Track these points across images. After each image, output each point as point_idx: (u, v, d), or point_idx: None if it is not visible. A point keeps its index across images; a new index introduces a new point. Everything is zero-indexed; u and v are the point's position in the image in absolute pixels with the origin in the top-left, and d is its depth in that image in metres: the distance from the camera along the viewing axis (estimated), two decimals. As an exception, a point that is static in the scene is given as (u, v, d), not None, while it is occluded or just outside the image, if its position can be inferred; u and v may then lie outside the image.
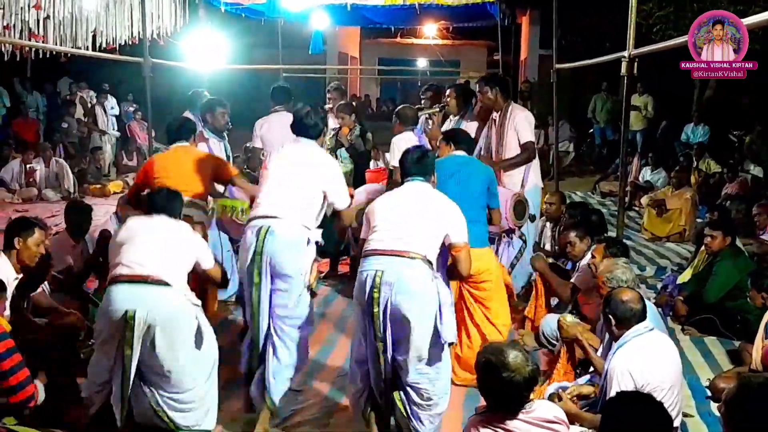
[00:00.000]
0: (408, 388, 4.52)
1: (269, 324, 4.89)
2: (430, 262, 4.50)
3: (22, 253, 5.13)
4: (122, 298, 4.40)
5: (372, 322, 4.39)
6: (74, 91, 17.08)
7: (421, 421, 4.55)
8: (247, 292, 4.89)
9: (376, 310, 4.36)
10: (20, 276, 5.13)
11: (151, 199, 5.02)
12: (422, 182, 4.78)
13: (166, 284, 4.47)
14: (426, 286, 4.42)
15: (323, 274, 8.19)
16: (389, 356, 4.44)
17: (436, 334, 4.45)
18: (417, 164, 4.81)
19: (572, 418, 4.28)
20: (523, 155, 7.22)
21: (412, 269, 4.41)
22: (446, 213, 4.67)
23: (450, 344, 4.61)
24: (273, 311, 4.88)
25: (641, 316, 4.39)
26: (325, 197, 5.09)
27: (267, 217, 4.86)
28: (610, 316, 4.39)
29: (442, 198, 4.79)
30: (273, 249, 4.77)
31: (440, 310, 4.47)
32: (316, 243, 5.00)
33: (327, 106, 8.74)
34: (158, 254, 4.58)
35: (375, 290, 4.35)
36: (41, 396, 4.54)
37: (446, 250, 4.68)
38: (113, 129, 16.88)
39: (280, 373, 4.88)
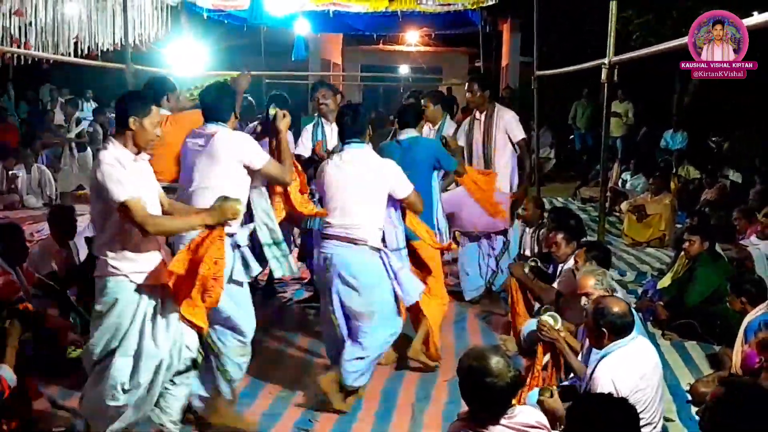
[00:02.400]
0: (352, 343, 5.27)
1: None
2: (371, 244, 5.20)
3: (137, 135, 4.25)
4: None
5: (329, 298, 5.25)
6: (56, 97, 17.01)
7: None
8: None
9: (327, 289, 5.24)
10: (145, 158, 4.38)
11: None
12: (359, 145, 5.35)
13: None
14: (370, 267, 5.20)
15: (306, 281, 8.21)
16: (343, 323, 5.27)
17: (393, 298, 5.32)
18: (352, 126, 5.37)
19: (558, 418, 4.34)
20: (524, 154, 7.54)
21: (355, 253, 5.17)
22: (385, 177, 5.31)
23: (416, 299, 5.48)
24: None
25: (632, 327, 4.41)
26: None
27: None
28: (604, 329, 4.32)
29: (378, 162, 5.38)
30: None
31: (396, 278, 5.27)
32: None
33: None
34: None
35: (326, 272, 5.20)
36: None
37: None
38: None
39: None
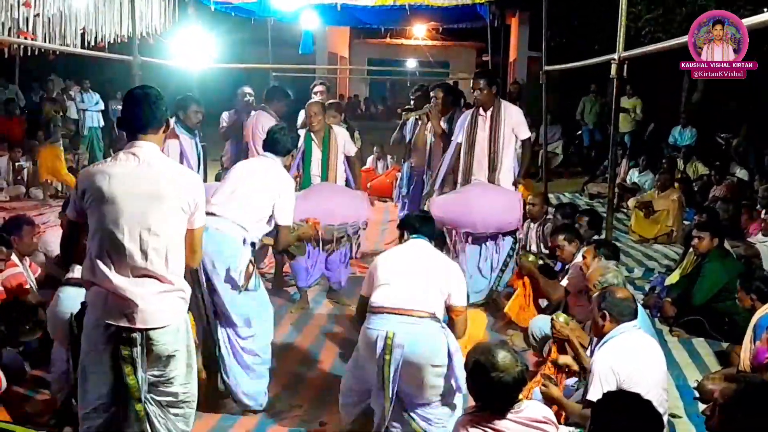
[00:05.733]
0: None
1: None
2: (437, 318, 4.52)
3: None
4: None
5: (383, 380, 4.42)
6: (66, 89, 17.08)
7: None
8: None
9: (387, 371, 4.38)
10: None
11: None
12: (425, 241, 4.85)
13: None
14: (436, 345, 4.44)
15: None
16: (391, 410, 4.48)
17: (451, 385, 4.50)
18: (423, 224, 4.93)
19: (555, 404, 4.38)
20: (527, 152, 7.49)
21: (422, 328, 4.42)
22: (449, 273, 4.68)
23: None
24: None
25: (633, 315, 4.41)
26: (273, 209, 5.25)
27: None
28: (606, 311, 4.37)
29: (445, 258, 4.90)
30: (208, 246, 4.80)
31: (451, 361, 4.46)
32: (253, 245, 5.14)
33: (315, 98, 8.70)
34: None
35: (387, 352, 4.37)
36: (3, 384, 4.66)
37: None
38: (98, 124, 16.84)
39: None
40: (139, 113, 3.69)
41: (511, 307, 6.66)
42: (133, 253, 3.50)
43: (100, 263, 3.51)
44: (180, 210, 3.63)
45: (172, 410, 3.70)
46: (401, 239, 5.01)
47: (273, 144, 5.50)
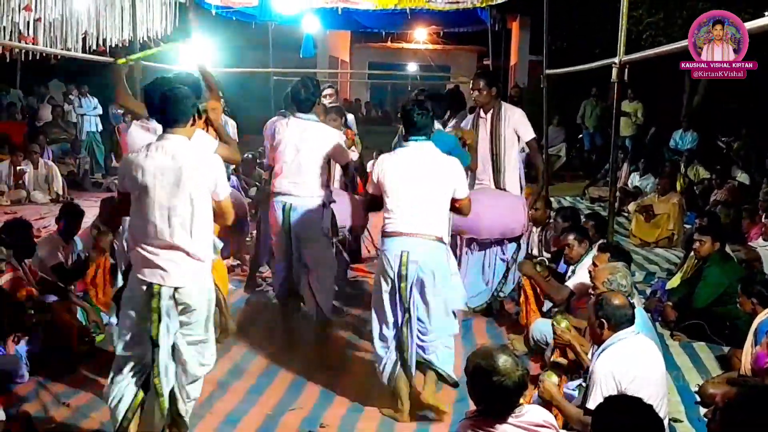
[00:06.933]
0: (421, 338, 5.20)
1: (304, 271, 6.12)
2: (444, 242, 5.16)
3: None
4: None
5: (400, 295, 5.06)
6: (67, 93, 17.10)
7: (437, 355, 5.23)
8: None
9: (403, 284, 5.03)
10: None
11: None
12: (425, 142, 5.18)
13: None
14: (444, 263, 5.16)
15: None
16: (414, 323, 5.12)
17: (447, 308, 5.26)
18: (421, 122, 5.17)
19: (553, 406, 4.40)
20: (536, 153, 7.48)
21: (432, 249, 5.08)
22: (452, 175, 5.17)
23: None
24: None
25: (630, 321, 4.40)
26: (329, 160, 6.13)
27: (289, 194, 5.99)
28: (603, 320, 4.36)
29: (444, 159, 5.22)
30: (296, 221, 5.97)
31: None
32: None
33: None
34: None
35: (403, 267, 5.01)
36: None
37: None
38: (96, 128, 16.84)
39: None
40: (167, 111, 4.41)
41: (522, 315, 6.64)
42: (163, 230, 4.27)
43: (137, 234, 4.36)
44: (202, 190, 4.36)
45: (193, 347, 4.48)
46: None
47: (300, 105, 6.08)
